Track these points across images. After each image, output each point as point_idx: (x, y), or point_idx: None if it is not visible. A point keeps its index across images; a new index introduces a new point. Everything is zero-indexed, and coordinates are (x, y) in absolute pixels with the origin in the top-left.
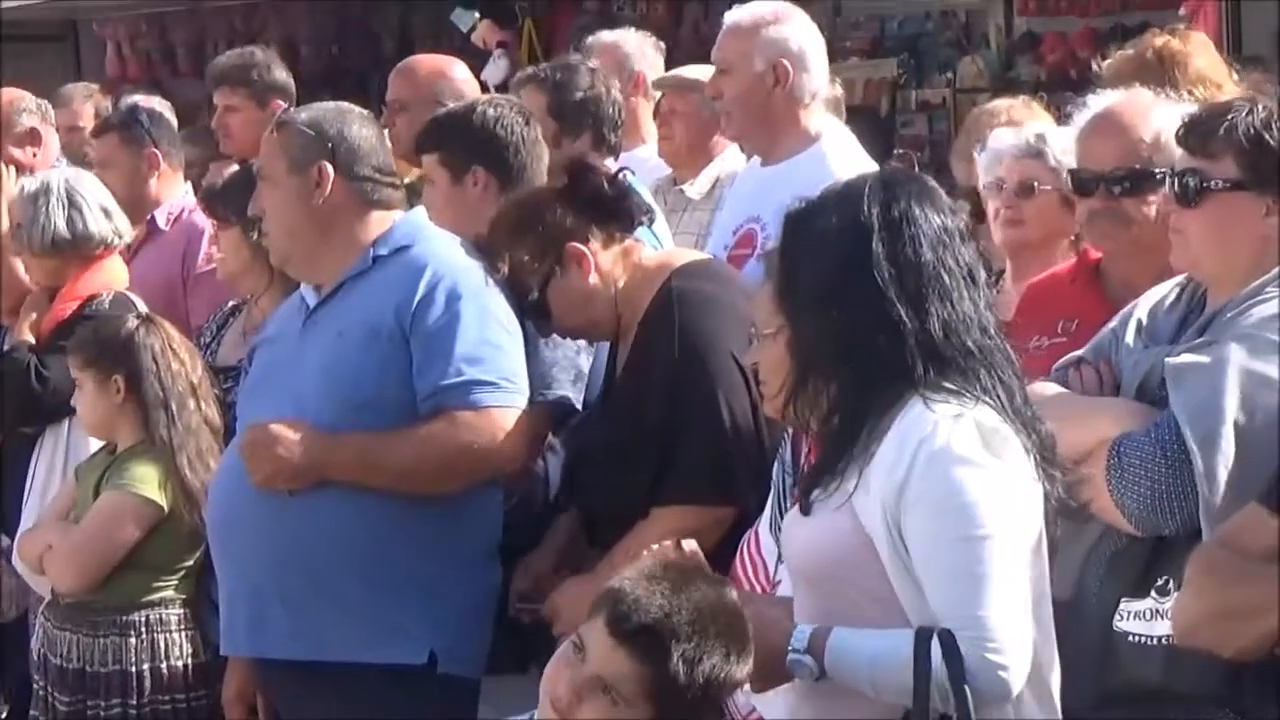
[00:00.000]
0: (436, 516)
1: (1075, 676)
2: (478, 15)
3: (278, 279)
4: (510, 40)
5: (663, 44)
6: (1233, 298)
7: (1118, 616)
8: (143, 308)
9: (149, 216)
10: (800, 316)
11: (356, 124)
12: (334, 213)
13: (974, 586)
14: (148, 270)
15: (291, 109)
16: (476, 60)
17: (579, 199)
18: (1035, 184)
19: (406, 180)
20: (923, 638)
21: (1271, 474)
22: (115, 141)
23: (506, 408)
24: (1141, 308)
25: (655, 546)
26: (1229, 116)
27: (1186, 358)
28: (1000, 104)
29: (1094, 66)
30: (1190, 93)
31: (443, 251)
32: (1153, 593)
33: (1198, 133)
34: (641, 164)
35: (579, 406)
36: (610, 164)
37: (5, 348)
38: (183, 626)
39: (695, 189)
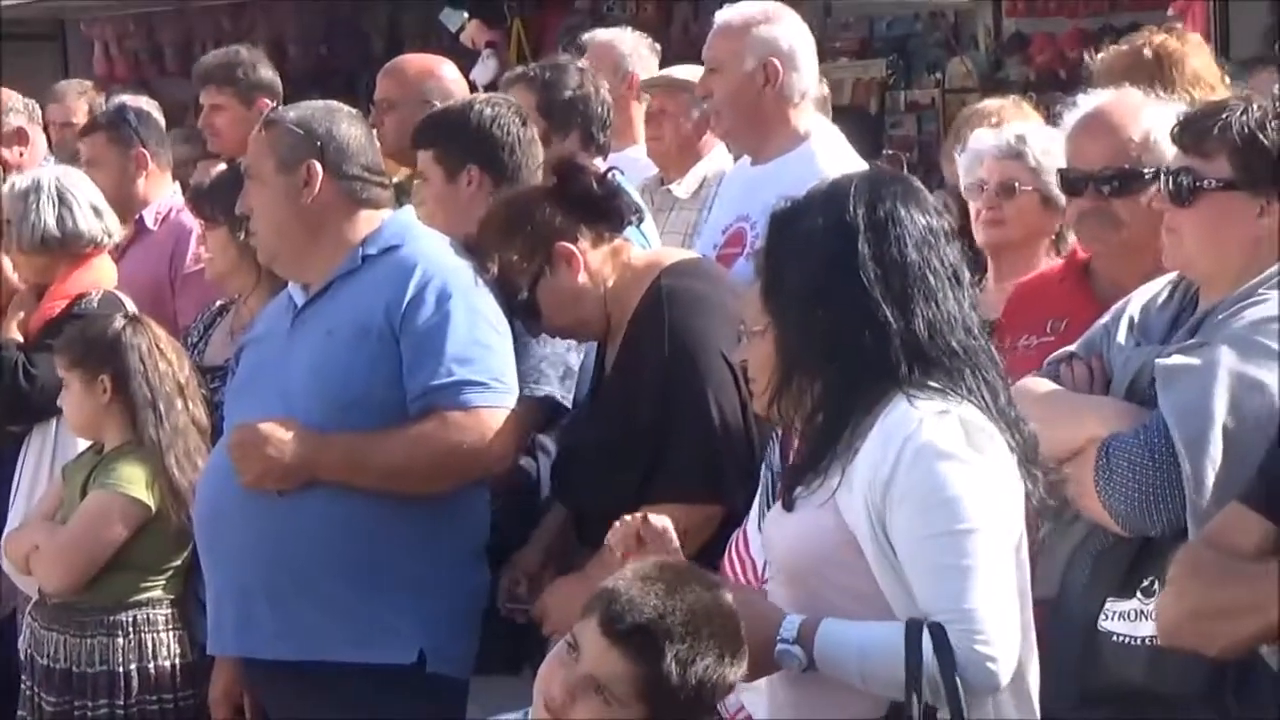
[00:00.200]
0: (424, 516)
1: (1058, 675)
2: (466, 15)
3: (265, 278)
4: (499, 40)
5: (658, 45)
6: (1225, 298)
7: (1102, 616)
8: (131, 307)
9: (137, 216)
10: (786, 315)
11: (345, 123)
12: (323, 212)
13: (961, 580)
14: (136, 270)
15: (279, 107)
16: (465, 60)
17: (568, 198)
18: (1016, 184)
19: (395, 180)
20: (913, 630)
21: (1254, 472)
22: (103, 141)
23: (496, 408)
24: (1134, 304)
25: (627, 518)
26: (1224, 116)
27: (1177, 359)
28: (991, 104)
29: (1086, 59)
30: (1188, 92)
31: (432, 251)
32: (1138, 593)
33: (1192, 131)
34: (632, 164)
35: (567, 405)
36: (599, 163)
37: None
38: (170, 626)
39: (682, 188)
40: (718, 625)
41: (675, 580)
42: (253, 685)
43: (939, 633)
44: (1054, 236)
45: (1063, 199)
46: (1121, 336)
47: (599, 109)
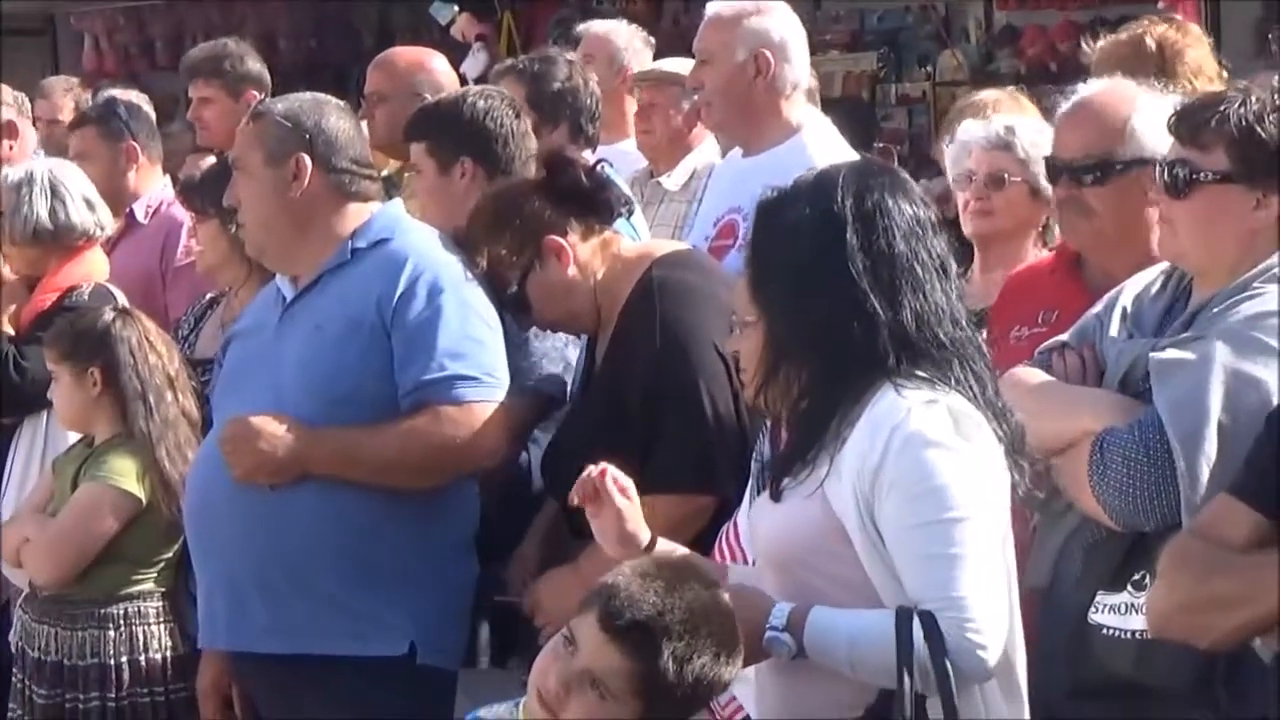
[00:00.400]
0: (414, 510)
1: (1048, 666)
2: (456, 8)
3: (256, 271)
4: (489, 33)
5: (652, 39)
6: (1219, 290)
7: (1093, 609)
8: (122, 300)
9: (128, 209)
10: (773, 305)
11: (334, 115)
12: (311, 205)
13: (950, 568)
14: (127, 263)
15: (267, 100)
16: (455, 53)
17: (557, 191)
18: (1005, 175)
19: (384, 172)
20: (904, 617)
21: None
22: (93, 134)
23: (488, 402)
24: (1126, 295)
25: (590, 468)
26: (1221, 107)
27: (1172, 353)
28: (987, 96)
29: (1084, 46)
30: (1190, 83)
31: (422, 245)
32: (1129, 587)
33: (1189, 123)
34: (624, 156)
35: (564, 398)
36: (588, 155)
37: None
38: (161, 619)
39: (672, 181)
40: (716, 624)
41: (674, 578)
42: (242, 678)
43: (929, 620)
44: (1041, 228)
45: (1050, 189)
46: (1114, 328)
47: (588, 101)
